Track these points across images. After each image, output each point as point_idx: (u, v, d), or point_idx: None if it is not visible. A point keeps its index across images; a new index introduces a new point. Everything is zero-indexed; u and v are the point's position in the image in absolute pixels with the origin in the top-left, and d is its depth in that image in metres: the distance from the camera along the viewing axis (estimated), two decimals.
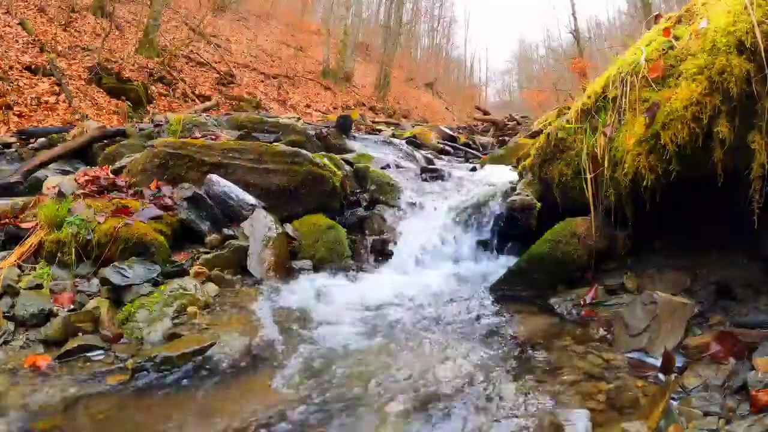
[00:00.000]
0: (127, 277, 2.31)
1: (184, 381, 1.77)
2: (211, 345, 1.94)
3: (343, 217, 3.48)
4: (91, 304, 2.16)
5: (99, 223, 2.49)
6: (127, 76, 9.16)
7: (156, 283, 2.36)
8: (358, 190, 3.82)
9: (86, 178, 3.10)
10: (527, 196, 2.93)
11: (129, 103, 8.37)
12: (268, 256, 2.79)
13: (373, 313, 2.39)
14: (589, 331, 2.11)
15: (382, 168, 4.30)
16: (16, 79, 7.43)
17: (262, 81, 14.68)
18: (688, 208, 2.44)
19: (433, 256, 3.17)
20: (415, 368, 1.84)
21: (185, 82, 10.95)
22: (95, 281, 2.33)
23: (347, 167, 4.00)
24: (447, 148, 6.73)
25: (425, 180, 4.28)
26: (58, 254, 2.40)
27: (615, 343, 1.96)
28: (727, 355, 1.66)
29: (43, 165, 3.97)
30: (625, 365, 1.80)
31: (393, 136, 6.82)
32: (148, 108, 8.84)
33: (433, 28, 37.52)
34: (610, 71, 2.47)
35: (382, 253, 3.21)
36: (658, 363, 1.74)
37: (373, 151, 4.94)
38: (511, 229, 3.10)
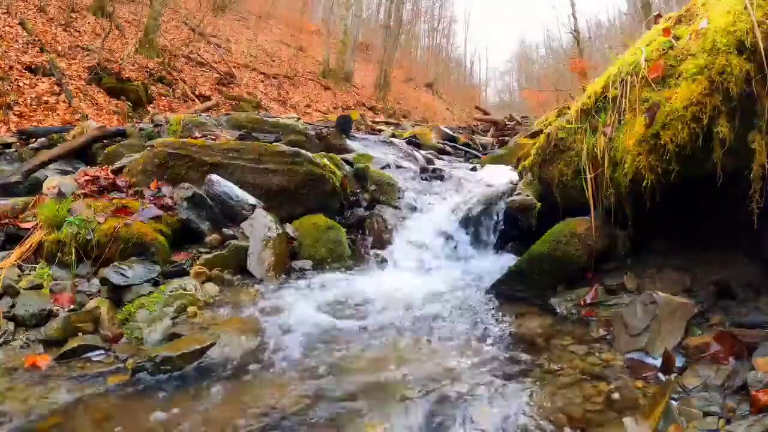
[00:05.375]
0: (127, 277, 2.31)
1: (184, 381, 1.77)
2: (211, 345, 1.94)
3: (343, 217, 3.49)
4: (91, 304, 2.16)
5: (99, 223, 2.49)
6: (127, 76, 9.15)
7: (156, 283, 2.37)
8: (358, 190, 3.82)
9: (86, 178, 3.10)
10: (527, 196, 2.94)
11: (129, 103, 8.37)
12: (268, 256, 2.79)
13: (373, 312, 2.39)
14: (589, 331, 2.11)
15: (382, 168, 4.30)
16: (16, 79, 7.42)
17: (262, 81, 14.67)
18: (688, 208, 2.44)
19: (433, 256, 3.18)
20: (414, 367, 1.84)
21: (185, 82, 10.94)
22: (95, 281, 2.33)
23: (347, 167, 4.00)
24: (447, 148, 6.73)
25: (425, 180, 4.28)
26: (58, 254, 2.40)
27: (615, 343, 1.96)
28: (727, 355, 1.66)
29: (43, 165, 3.96)
30: (625, 365, 1.80)
31: (393, 136, 6.82)
32: (148, 108, 8.83)
33: (433, 28, 37.52)
34: (610, 71, 2.47)
35: (382, 253, 3.21)
36: (658, 363, 1.74)
37: (373, 151, 4.94)
38: (512, 229, 3.10)
